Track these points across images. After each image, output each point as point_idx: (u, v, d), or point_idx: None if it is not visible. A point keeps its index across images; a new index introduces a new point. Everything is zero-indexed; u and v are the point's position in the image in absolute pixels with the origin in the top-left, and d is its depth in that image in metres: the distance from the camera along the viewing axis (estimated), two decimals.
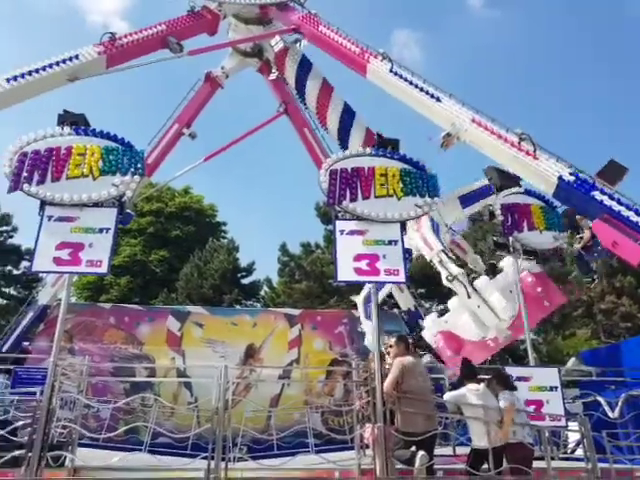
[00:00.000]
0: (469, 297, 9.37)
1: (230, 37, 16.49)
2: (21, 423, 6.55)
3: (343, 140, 13.93)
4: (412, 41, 76.82)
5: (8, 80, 9.85)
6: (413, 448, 5.96)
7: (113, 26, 77.73)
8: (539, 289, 10.29)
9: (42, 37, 67.78)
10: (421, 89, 11.41)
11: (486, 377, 6.85)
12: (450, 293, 10.07)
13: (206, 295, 26.72)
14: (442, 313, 11.27)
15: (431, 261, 10.23)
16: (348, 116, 14.01)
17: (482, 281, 9.75)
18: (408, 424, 6.09)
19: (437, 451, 6.68)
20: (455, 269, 9.70)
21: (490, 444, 5.85)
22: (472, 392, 6.39)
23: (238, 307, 26.98)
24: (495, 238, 10.76)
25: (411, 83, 11.60)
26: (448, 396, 6.71)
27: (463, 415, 6.55)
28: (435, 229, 10.71)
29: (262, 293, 30.63)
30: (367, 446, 6.57)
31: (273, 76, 15.81)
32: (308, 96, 14.47)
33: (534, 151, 9.04)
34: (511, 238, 9.87)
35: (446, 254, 10.05)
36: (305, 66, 14.62)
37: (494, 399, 6.37)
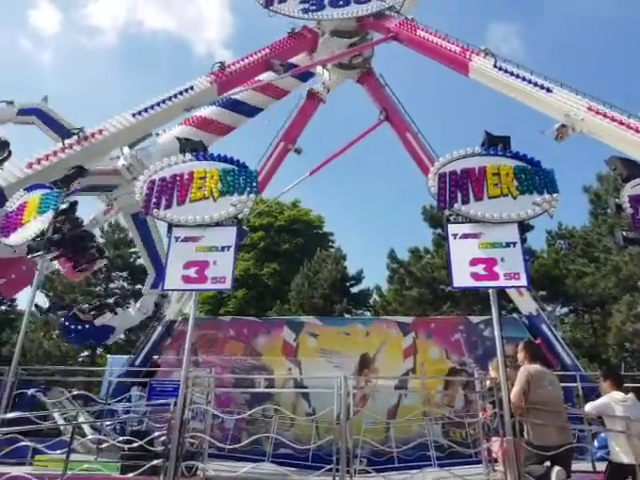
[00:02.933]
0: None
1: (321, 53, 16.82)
2: (157, 434, 6.92)
3: None
4: (510, 34, 73.30)
5: (134, 115, 10.88)
6: (547, 463, 5.56)
7: (217, 54, 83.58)
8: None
9: (160, 70, 75.92)
10: (529, 81, 10.98)
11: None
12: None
13: (317, 305, 27.22)
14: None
15: None
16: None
17: None
18: (539, 437, 5.68)
19: (574, 466, 6.16)
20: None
21: (636, 460, 5.28)
22: (617, 402, 5.83)
23: (348, 316, 27.13)
24: (624, 233, 9.78)
25: (517, 76, 11.19)
26: (590, 407, 6.15)
27: (604, 427, 5.98)
28: None
29: (372, 301, 30.61)
30: (495, 460, 6.25)
31: None
32: None
33: None
34: None
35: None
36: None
37: None
